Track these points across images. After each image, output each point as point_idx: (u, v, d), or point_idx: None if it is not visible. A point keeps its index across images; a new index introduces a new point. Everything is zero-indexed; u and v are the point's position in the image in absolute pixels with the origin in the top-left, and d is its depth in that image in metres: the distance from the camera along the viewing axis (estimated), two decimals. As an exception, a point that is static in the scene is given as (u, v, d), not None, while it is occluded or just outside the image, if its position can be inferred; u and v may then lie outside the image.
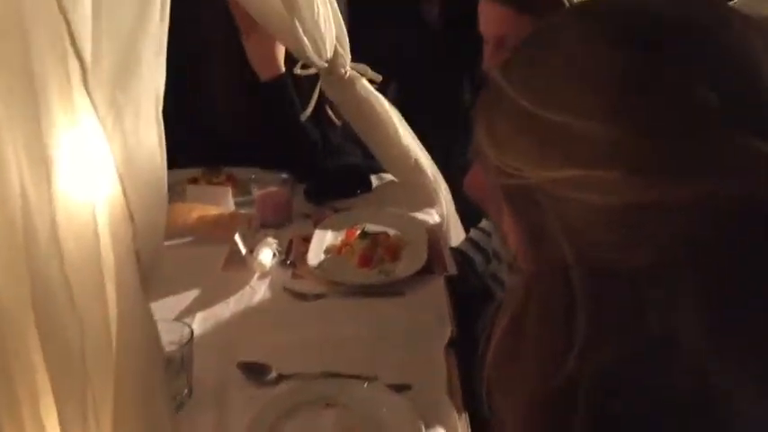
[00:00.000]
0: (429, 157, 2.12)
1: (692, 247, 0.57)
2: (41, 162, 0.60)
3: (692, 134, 0.57)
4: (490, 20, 1.71)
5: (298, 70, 1.99)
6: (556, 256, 0.62)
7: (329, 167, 2.10)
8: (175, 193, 1.86)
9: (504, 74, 0.67)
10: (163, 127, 0.76)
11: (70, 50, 0.59)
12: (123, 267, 0.72)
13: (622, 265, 0.59)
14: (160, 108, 0.75)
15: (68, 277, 0.66)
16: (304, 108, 2.03)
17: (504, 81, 0.67)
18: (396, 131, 2.05)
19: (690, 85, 0.58)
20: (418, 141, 2.10)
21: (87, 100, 0.61)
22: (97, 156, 0.66)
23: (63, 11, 0.58)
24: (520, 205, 0.66)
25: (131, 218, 0.68)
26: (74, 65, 0.60)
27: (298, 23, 1.74)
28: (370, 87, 2.03)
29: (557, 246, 0.62)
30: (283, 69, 2.04)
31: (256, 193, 1.90)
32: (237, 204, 1.94)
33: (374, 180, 2.16)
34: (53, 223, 0.61)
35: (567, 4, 1.74)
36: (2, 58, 0.57)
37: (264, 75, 2.03)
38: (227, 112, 2.17)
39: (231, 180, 2.05)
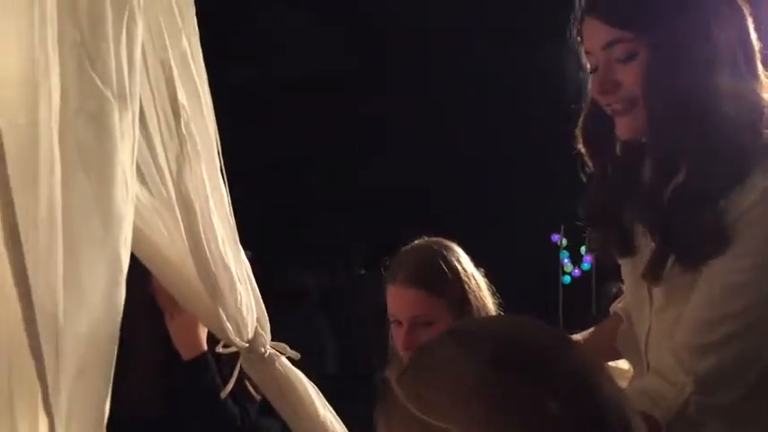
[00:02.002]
0: (346, 431, 2.23)
1: None
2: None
3: None
4: (403, 303, 1.94)
5: (219, 349, 2.13)
6: None
7: (247, 444, 2.19)
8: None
9: (398, 381, 0.86)
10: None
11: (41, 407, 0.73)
12: None
13: None
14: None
15: None
16: (224, 383, 2.15)
17: (397, 387, 0.85)
18: (313, 406, 2.18)
19: (539, 400, 0.77)
20: (336, 416, 2.22)
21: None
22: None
23: (39, 368, 0.73)
24: None
25: None
26: (42, 417, 0.74)
27: (221, 311, 1.92)
28: (289, 364, 2.18)
29: None
30: (205, 348, 2.19)
31: (172, 474, 1.95)
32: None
33: (292, 454, 2.24)
34: None
35: (466, 282, 2.01)
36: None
37: (187, 354, 2.17)
38: (146, 391, 2.26)
39: (146, 461, 2.10)
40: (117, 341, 0.91)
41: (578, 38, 1.53)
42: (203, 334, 2.22)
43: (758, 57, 1.46)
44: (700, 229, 1.37)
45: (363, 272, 3.61)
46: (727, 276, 1.36)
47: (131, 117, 1.00)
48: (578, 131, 1.62)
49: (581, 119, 1.61)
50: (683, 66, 1.40)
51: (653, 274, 1.46)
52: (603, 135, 1.55)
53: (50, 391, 0.75)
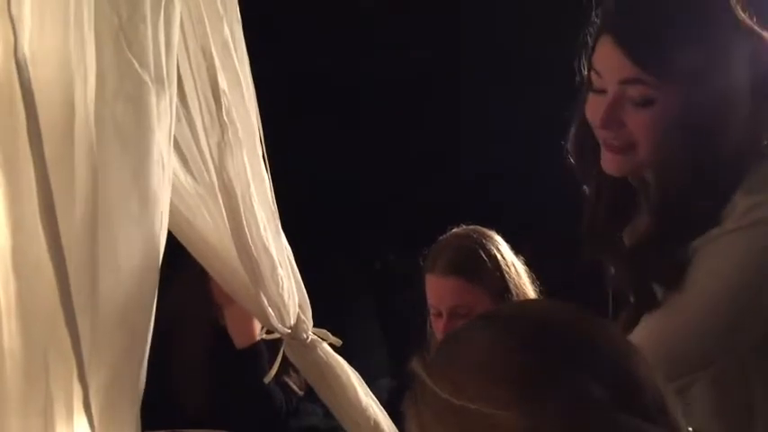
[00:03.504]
0: (388, 418, 2.24)
1: None
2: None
3: (584, 420, 0.75)
4: (442, 293, 1.94)
5: (263, 335, 2.17)
6: None
7: (289, 429, 2.22)
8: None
9: (425, 368, 0.85)
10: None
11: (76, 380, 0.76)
12: None
13: None
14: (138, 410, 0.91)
15: None
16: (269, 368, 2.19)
17: (424, 374, 0.85)
18: (355, 392, 2.19)
19: (579, 382, 0.76)
20: (378, 402, 2.23)
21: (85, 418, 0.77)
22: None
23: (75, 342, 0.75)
24: None
25: None
26: (77, 389, 0.76)
27: (263, 296, 1.94)
28: (330, 350, 2.20)
29: None
30: (258, 337, 2.23)
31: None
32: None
33: (334, 440, 2.26)
34: None
35: (506, 271, 1.99)
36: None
37: (240, 343, 2.21)
38: (194, 379, 2.31)
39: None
40: (152, 318, 0.93)
41: (591, 48, 1.32)
42: (257, 325, 2.26)
43: None
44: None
45: (392, 257, 3.64)
46: (678, 317, 1.26)
47: (168, 99, 1.02)
48: (569, 145, 1.44)
49: (572, 131, 1.43)
50: (703, 127, 1.25)
51: (626, 328, 1.32)
52: (597, 153, 1.37)
53: (85, 364, 0.77)
